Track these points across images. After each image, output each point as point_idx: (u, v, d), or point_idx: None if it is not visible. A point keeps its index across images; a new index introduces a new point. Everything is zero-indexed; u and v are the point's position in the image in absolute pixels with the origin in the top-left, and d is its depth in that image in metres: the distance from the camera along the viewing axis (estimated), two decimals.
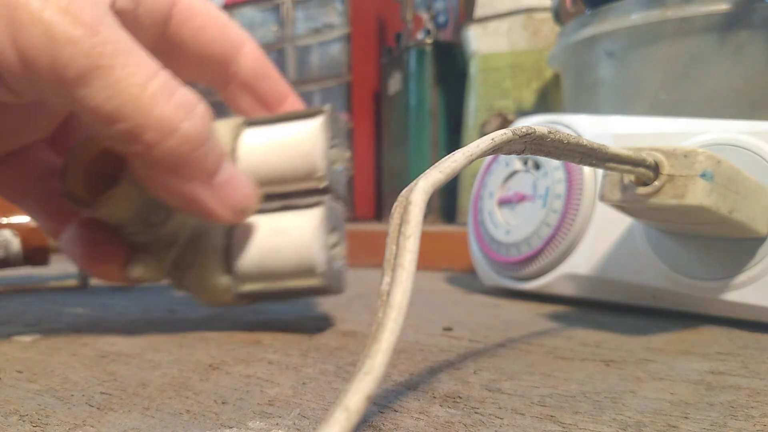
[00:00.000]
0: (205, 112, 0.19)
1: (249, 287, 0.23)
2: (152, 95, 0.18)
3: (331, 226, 0.23)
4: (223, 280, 0.23)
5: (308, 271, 0.22)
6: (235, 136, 0.24)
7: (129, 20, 0.20)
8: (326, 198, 0.23)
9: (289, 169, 0.23)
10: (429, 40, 0.75)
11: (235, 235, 0.23)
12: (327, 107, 0.23)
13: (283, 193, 0.24)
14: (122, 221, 0.22)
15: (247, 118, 0.25)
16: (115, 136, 0.18)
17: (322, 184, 0.23)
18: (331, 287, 0.23)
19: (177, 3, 0.22)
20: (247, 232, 0.23)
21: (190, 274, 0.23)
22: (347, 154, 0.25)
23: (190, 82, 0.22)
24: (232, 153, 0.24)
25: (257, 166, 0.23)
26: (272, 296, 0.24)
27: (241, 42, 0.24)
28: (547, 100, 0.59)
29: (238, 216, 0.21)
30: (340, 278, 0.24)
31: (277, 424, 0.14)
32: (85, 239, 0.23)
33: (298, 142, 0.23)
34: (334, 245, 0.23)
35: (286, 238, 0.22)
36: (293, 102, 0.26)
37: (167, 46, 0.23)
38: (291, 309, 0.30)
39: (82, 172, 0.22)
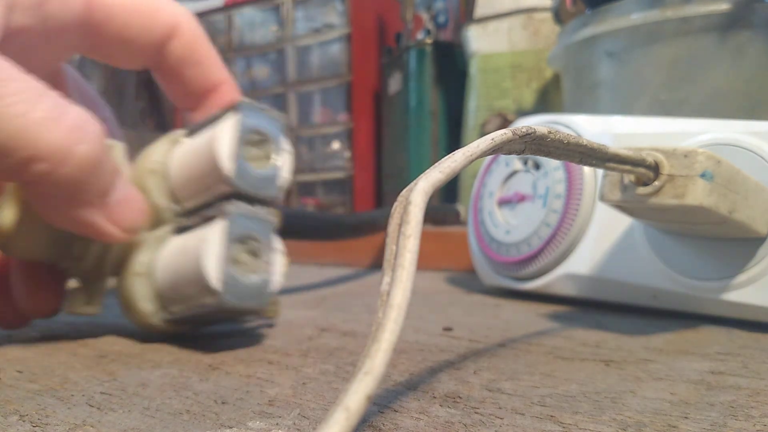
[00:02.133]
0: (98, 131, 0.18)
1: (171, 310, 0.22)
2: (39, 122, 0.17)
3: (242, 234, 0.20)
4: (148, 306, 0.22)
5: (205, 288, 0.20)
6: (168, 152, 0.23)
7: (35, 35, 0.19)
8: (229, 204, 0.20)
9: (201, 176, 0.21)
10: (429, 40, 0.75)
11: (156, 258, 0.22)
12: (242, 100, 0.21)
13: (203, 205, 0.22)
14: (44, 258, 0.21)
15: (189, 128, 0.23)
16: (5, 170, 0.17)
17: (227, 188, 0.21)
18: (235, 306, 0.20)
19: (91, 5, 0.21)
20: (164, 253, 0.22)
21: (121, 302, 0.22)
22: (283, 152, 0.22)
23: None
24: (164, 170, 0.23)
25: (176, 179, 0.22)
26: (203, 321, 0.22)
27: (173, 27, 0.22)
28: (547, 100, 0.59)
29: (128, 234, 0.21)
30: (260, 295, 0.21)
31: (277, 424, 0.14)
32: (23, 277, 0.22)
33: (206, 145, 0.21)
34: (253, 257, 0.21)
35: (186, 256, 0.21)
36: (226, 91, 0.24)
37: (92, 43, 0.22)
38: (291, 309, 0.30)
39: None
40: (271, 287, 0.21)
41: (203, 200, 0.22)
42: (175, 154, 0.23)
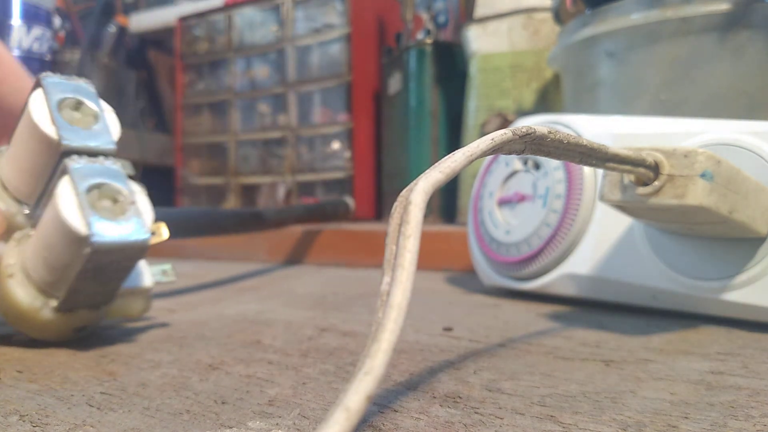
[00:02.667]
0: None
1: (57, 295, 0.21)
2: None
3: (92, 183, 0.20)
4: (33, 302, 0.21)
5: (76, 241, 0.19)
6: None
7: None
8: (68, 159, 0.21)
9: (33, 159, 0.21)
10: (429, 40, 0.75)
11: (24, 256, 0.21)
12: (42, 74, 0.22)
13: (47, 187, 0.22)
14: None
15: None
16: None
17: (61, 151, 0.21)
18: (113, 244, 0.20)
19: None
20: (28, 246, 0.21)
21: (3, 313, 0.22)
22: (105, 110, 0.23)
23: None
24: None
25: (13, 181, 0.22)
26: (94, 294, 0.22)
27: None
28: (547, 100, 0.59)
29: None
30: (137, 229, 0.21)
31: (277, 424, 0.14)
32: None
33: (25, 126, 0.22)
34: (114, 202, 0.21)
35: (48, 229, 0.20)
36: None
37: None
38: (290, 309, 0.30)
39: None
40: (145, 221, 0.21)
41: (45, 182, 0.22)
42: (2, 162, 0.23)
